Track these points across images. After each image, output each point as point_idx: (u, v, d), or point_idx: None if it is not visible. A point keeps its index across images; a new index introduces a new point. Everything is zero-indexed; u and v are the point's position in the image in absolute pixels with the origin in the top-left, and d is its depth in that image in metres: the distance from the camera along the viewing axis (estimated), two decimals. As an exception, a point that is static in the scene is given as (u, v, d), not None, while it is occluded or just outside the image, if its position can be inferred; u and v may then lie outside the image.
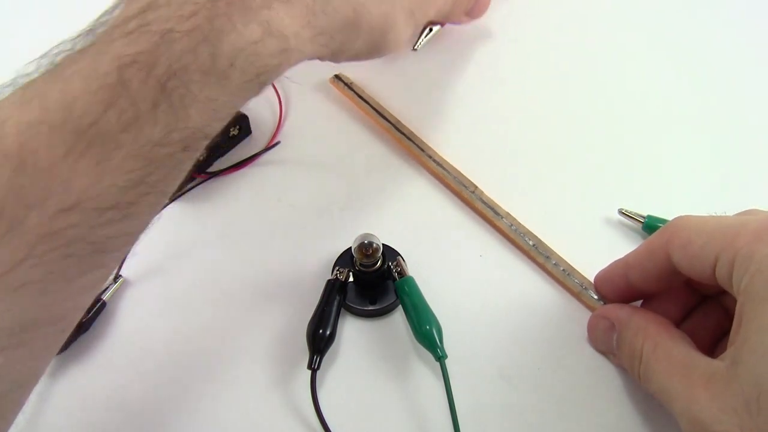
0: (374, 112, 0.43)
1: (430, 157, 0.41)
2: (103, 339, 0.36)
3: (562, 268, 0.37)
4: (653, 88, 0.47)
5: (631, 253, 0.33)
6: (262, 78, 0.26)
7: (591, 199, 0.40)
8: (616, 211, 0.39)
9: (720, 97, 0.46)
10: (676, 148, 0.43)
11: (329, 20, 0.29)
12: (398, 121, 0.43)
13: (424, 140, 0.42)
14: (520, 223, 0.38)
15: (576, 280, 0.36)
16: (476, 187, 0.40)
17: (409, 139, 0.42)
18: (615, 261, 0.34)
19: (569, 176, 0.42)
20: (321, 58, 0.31)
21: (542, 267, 0.37)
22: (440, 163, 0.41)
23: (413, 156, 0.42)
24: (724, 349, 0.29)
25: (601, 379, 0.34)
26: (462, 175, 0.40)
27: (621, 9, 0.52)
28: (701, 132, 0.44)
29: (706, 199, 0.41)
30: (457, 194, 0.40)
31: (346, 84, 0.44)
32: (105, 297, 0.36)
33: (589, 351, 0.35)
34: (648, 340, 0.30)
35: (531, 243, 0.37)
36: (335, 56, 0.32)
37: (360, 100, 0.44)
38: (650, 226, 0.38)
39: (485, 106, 0.45)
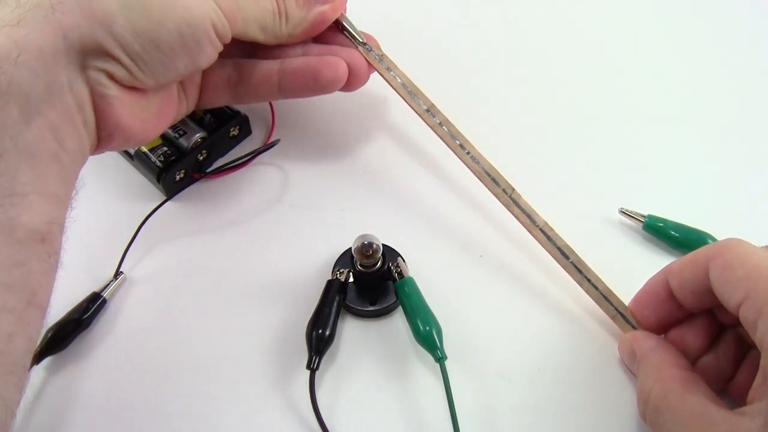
0: (407, 93, 0.39)
1: (468, 152, 0.38)
2: (103, 336, 0.36)
3: (596, 287, 0.35)
4: (654, 87, 0.46)
5: (675, 260, 0.32)
6: None
7: (591, 199, 0.40)
8: (617, 211, 0.39)
9: (721, 97, 0.46)
10: (677, 148, 0.43)
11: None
12: (433, 105, 0.39)
13: (458, 131, 0.39)
14: (557, 235, 0.36)
15: (612, 301, 0.35)
16: (513, 189, 0.37)
17: (443, 127, 0.38)
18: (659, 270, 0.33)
19: (570, 176, 0.42)
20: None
21: (579, 283, 0.35)
22: (476, 159, 0.38)
23: (450, 147, 0.38)
24: (742, 381, 0.29)
25: (601, 379, 0.34)
26: (499, 174, 0.37)
27: (622, 9, 0.51)
28: (702, 132, 0.44)
29: (707, 200, 0.41)
30: (493, 194, 0.37)
31: (378, 56, 0.39)
32: (105, 294, 0.36)
33: (588, 351, 0.35)
34: (659, 383, 0.29)
35: (570, 260, 0.36)
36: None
37: (393, 77, 0.39)
38: (651, 225, 0.38)
39: (484, 105, 0.45)
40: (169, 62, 0.30)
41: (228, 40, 0.32)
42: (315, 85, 0.37)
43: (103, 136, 0.30)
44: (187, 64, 0.31)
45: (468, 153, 0.38)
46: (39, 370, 0.34)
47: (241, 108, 0.43)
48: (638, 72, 0.47)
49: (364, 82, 0.39)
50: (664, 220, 0.38)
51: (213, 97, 0.38)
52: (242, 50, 0.37)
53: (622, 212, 0.39)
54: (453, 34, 0.50)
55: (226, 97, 0.38)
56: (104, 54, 0.29)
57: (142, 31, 0.29)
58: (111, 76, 0.29)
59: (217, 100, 0.39)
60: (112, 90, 0.29)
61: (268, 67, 0.37)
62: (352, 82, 0.38)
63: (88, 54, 0.28)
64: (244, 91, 0.38)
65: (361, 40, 0.39)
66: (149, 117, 0.32)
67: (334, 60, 0.37)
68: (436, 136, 0.38)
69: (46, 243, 0.27)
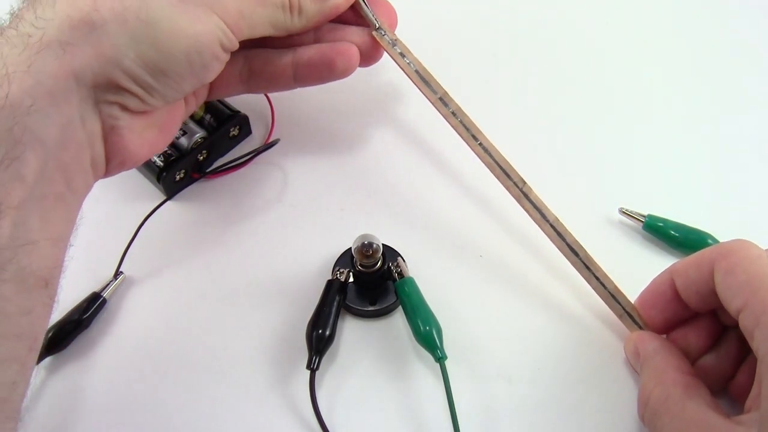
0: (420, 79, 0.38)
1: (480, 143, 0.37)
2: (103, 336, 0.36)
3: (604, 285, 0.35)
4: (654, 87, 0.46)
5: (681, 259, 0.32)
6: None
7: (591, 199, 0.40)
8: (617, 211, 0.39)
9: (721, 97, 0.46)
10: (677, 148, 0.43)
11: None
12: (446, 93, 0.38)
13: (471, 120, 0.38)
14: (567, 231, 0.36)
15: (622, 301, 0.35)
16: (525, 182, 0.36)
17: (456, 116, 0.37)
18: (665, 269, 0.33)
19: (570, 175, 0.42)
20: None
21: (587, 281, 0.35)
22: (488, 150, 0.37)
23: (462, 137, 0.37)
24: (742, 382, 0.29)
25: (601, 379, 0.34)
26: (511, 167, 0.36)
27: (625, 10, 0.51)
28: (703, 132, 0.44)
29: (707, 200, 0.41)
30: (504, 186, 0.36)
31: (391, 41, 0.38)
32: (105, 294, 0.36)
33: (588, 351, 0.35)
34: (660, 386, 0.29)
35: (579, 257, 0.35)
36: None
37: (406, 63, 0.38)
38: (651, 225, 0.38)
39: (482, 104, 0.45)
40: (177, 86, 0.31)
41: (234, 49, 0.32)
42: (330, 73, 0.37)
43: (113, 165, 0.30)
44: (195, 84, 0.32)
45: (480, 144, 0.37)
46: (39, 370, 0.34)
47: (241, 108, 0.43)
48: (639, 72, 0.47)
49: (378, 60, 0.39)
50: (664, 220, 0.38)
51: (224, 91, 0.38)
52: (250, 41, 0.36)
53: (622, 212, 0.39)
54: (466, 28, 0.50)
55: (239, 90, 0.38)
56: (117, 88, 0.28)
57: (152, 62, 0.29)
58: (123, 107, 0.29)
59: (229, 93, 0.38)
60: (124, 120, 0.29)
61: (281, 59, 0.37)
62: (366, 61, 0.38)
63: (100, 89, 0.28)
64: (256, 84, 0.38)
65: (376, 25, 0.38)
66: (155, 134, 0.32)
67: (347, 47, 0.37)
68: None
69: (49, 287, 0.27)
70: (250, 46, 0.37)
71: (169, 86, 0.30)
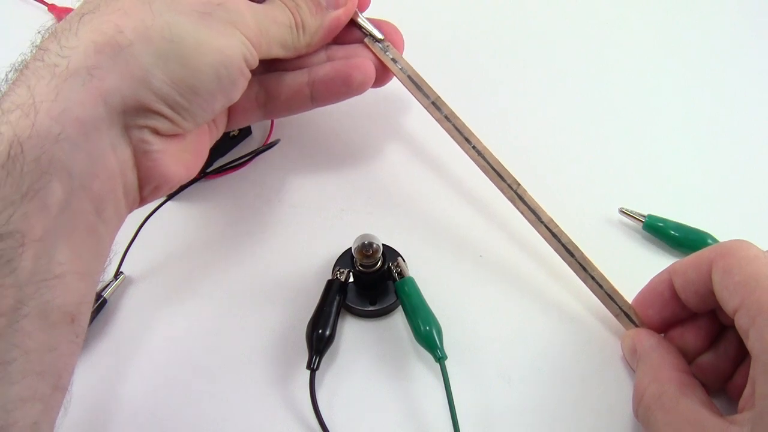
0: (413, 84, 0.38)
1: (473, 146, 0.37)
2: (103, 336, 0.36)
3: (600, 285, 0.35)
4: (654, 87, 0.46)
5: (680, 260, 0.32)
6: None
7: (591, 199, 0.40)
8: (617, 211, 0.39)
9: (722, 97, 0.46)
10: (678, 148, 0.43)
11: None
12: (438, 98, 0.38)
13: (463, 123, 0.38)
14: (563, 232, 0.36)
15: (618, 302, 0.35)
16: (519, 184, 0.37)
17: (449, 120, 0.37)
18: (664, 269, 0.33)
19: (569, 176, 0.42)
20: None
21: (584, 281, 0.35)
22: (482, 153, 0.37)
23: (455, 141, 0.37)
24: (740, 382, 0.29)
25: (601, 378, 0.34)
26: (505, 169, 0.37)
27: (625, 11, 0.51)
28: (703, 132, 0.44)
29: (707, 200, 0.41)
30: (499, 188, 0.37)
31: (382, 48, 0.38)
32: (106, 294, 0.36)
33: (588, 351, 0.35)
34: (655, 383, 0.30)
35: (575, 257, 0.36)
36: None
37: (398, 69, 0.38)
38: (651, 225, 0.38)
39: (484, 105, 0.45)
40: (207, 105, 0.30)
41: (255, 66, 0.32)
42: (347, 89, 0.37)
43: (148, 192, 0.30)
44: (223, 103, 0.31)
45: (473, 147, 0.37)
46: (39, 370, 0.34)
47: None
48: (639, 72, 0.47)
49: (390, 79, 0.39)
50: (664, 220, 0.38)
51: (242, 118, 0.37)
52: (263, 65, 0.35)
53: (622, 212, 0.39)
54: (460, 31, 0.50)
55: (257, 115, 0.37)
56: (146, 111, 0.28)
57: (181, 80, 0.28)
58: (154, 131, 0.28)
59: (248, 120, 0.38)
60: (156, 144, 0.29)
61: (297, 80, 0.37)
62: (380, 78, 0.38)
63: (130, 114, 0.27)
64: (274, 107, 0.37)
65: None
66: (189, 157, 0.32)
67: (362, 61, 0.37)
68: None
69: (75, 323, 0.26)
70: (263, 70, 0.36)
71: (199, 105, 0.29)
